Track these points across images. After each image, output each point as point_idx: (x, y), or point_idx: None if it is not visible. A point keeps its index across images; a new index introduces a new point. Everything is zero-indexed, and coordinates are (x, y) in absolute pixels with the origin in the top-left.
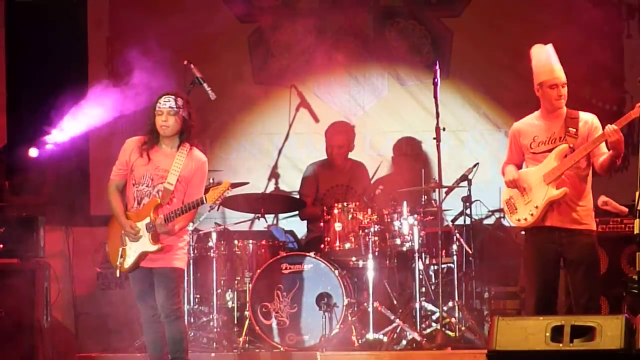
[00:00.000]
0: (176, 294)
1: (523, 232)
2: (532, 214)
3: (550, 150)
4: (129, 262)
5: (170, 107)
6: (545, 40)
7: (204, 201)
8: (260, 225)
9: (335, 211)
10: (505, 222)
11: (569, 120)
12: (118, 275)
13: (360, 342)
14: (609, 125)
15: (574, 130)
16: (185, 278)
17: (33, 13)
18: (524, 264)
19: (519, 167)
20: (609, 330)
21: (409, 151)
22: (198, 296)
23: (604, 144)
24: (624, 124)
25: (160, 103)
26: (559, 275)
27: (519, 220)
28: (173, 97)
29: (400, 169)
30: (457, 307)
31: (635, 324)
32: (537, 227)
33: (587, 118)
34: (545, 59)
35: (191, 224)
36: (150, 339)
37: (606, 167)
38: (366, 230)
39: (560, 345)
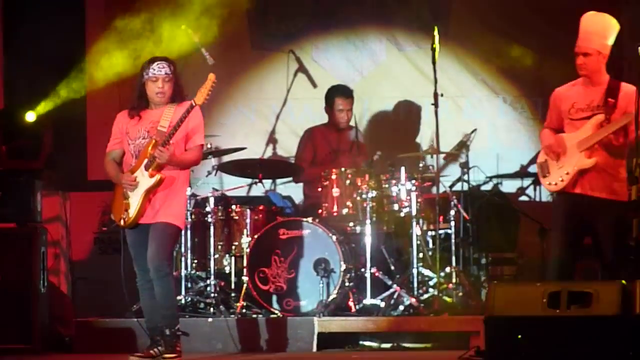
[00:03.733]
0: (167, 250)
1: (551, 196)
2: (562, 180)
3: (588, 118)
4: (132, 211)
5: (166, 73)
6: (542, 5)
7: (194, 104)
8: (258, 190)
9: (333, 176)
10: (502, 189)
11: (610, 90)
12: (123, 224)
13: (357, 307)
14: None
15: (613, 100)
16: (183, 243)
17: None
18: (552, 226)
19: (558, 131)
20: (606, 296)
21: (406, 116)
22: (195, 261)
23: None
24: None
25: (153, 69)
26: (582, 240)
27: (549, 184)
28: (166, 62)
29: (398, 135)
30: (454, 273)
31: (632, 289)
32: (567, 193)
33: (628, 90)
34: (580, 26)
35: (189, 189)
36: (146, 303)
37: (634, 145)
38: (364, 196)
39: (557, 311)
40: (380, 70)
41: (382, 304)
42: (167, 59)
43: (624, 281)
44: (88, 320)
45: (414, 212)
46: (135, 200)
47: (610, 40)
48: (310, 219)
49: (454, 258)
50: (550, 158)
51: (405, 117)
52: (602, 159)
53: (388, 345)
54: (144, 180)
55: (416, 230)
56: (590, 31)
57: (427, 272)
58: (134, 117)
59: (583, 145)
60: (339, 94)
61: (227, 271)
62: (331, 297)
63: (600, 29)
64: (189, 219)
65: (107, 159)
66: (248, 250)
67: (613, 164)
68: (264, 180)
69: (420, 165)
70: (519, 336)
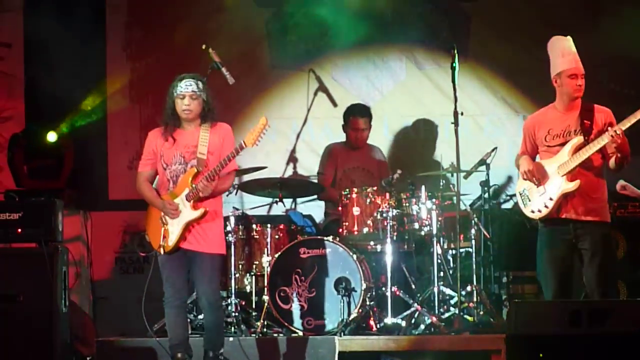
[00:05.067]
0: (218, 281)
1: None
2: (546, 206)
3: (564, 144)
4: (172, 238)
5: (192, 90)
6: (562, 23)
7: (244, 145)
8: (279, 209)
9: (354, 195)
10: None
11: (584, 113)
12: (162, 253)
13: (378, 326)
14: (611, 128)
15: (589, 122)
16: None
17: None
18: (538, 254)
19: (533, 158)
20: (628, 314)
21: (426, 135)
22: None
23: None
24: (628, 126)
25: (181, 87)
26: (573, 266)
27: (532, 212)
28: (194, 80)
29: (418, 153)
30: (475, 292)
31: None
32: (552, 219)
33: (603, 111)
34: (566, 48)
35: None
36: (171, 320)
37: (615, 168)
38: (384, 215)
39: (579, 329)
40: (400, 88)
41: (403, 323)
42: (196, 76)
43: None
44: (109, 340)
45: (434, 231)
46: (176, 229)
47: None
48: (330, 238)
49: (474, 277)
50: (532, 183)
51: (425, 135)
52: (584, 182)
53: None
54: (186, 211)
55: (437, 249)
56: (575, 53)
57: (448, 290)
58: (168, 138)
59: (564, 170)
60: (354, 113)
61: (248, 290)
62: (352, 316)
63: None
64: None
65: (140, 179)
66: (269, 269)
67: (594, 185)
68: (284, 199)
69: (441, 184)
70: (541, 355)
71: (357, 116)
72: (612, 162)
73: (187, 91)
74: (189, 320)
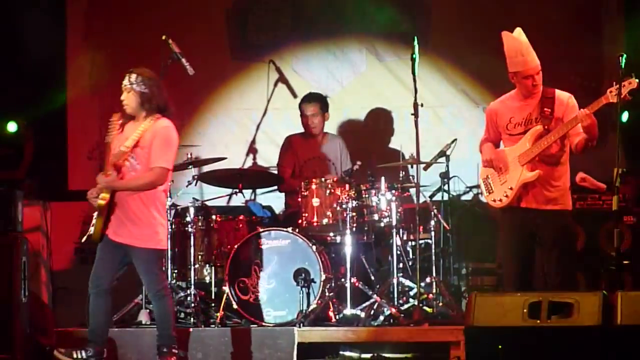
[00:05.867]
0: (158, 274)
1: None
2: (506, 195)
3: (525, 132)
4: (92, 229)
5: (124, 85)
6: (523, 16)
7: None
8: (238, 200)
9: (313, 186)
10: (482, 199)
11: (545, 100)
12: (83, 240)
13: (337, 317)
14: (581, 110)
15: (549, 110)
16: None
17: None
18: (501, 243)
19: (497, 145)
20: (587, 307)
21: (386, 126)
22: (175, 271)
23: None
24: (597, 109)
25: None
26: (534, 254)
27: (494, 200)
28: (128, 74)
29: (377, 145)
30: (434, 283)
31: (613, 300)
32: (513, 208)
33: (563, 98)
34: (516, 48)
35: (169, 198)
36: (89, 307)
37: (580, 149)
38: (344, 206)
39: (538, 321)
40: (360, 80)
41: (362, 314)
42: (133, 70)
43: (604, 292)
44: (69, 329)
45: (394, 222)
46: (95, 219)
47: None
48: (290, 229)
49: (434, 268)
50: (493, 170)
51: (385, 127)
52: (544, 171)
53: (368, 356)
54: (99, 200)
55: (396, 240)
56: (530, 49)
57: (407, 282)
58: (120, 128)
59: (524, 159)
60: (304, 100)
61: (207, 281)
62: (311, 307)
63: (529, 45)
64: (169, 229)
65: None
66: (228, 260)
67: (555, 174)
68: (244, 190)
69: (401, 175)
70: (500, 346)
71: (305, 102)
72: (576, 144)
73: (123, 86)
74: (148, 311)
